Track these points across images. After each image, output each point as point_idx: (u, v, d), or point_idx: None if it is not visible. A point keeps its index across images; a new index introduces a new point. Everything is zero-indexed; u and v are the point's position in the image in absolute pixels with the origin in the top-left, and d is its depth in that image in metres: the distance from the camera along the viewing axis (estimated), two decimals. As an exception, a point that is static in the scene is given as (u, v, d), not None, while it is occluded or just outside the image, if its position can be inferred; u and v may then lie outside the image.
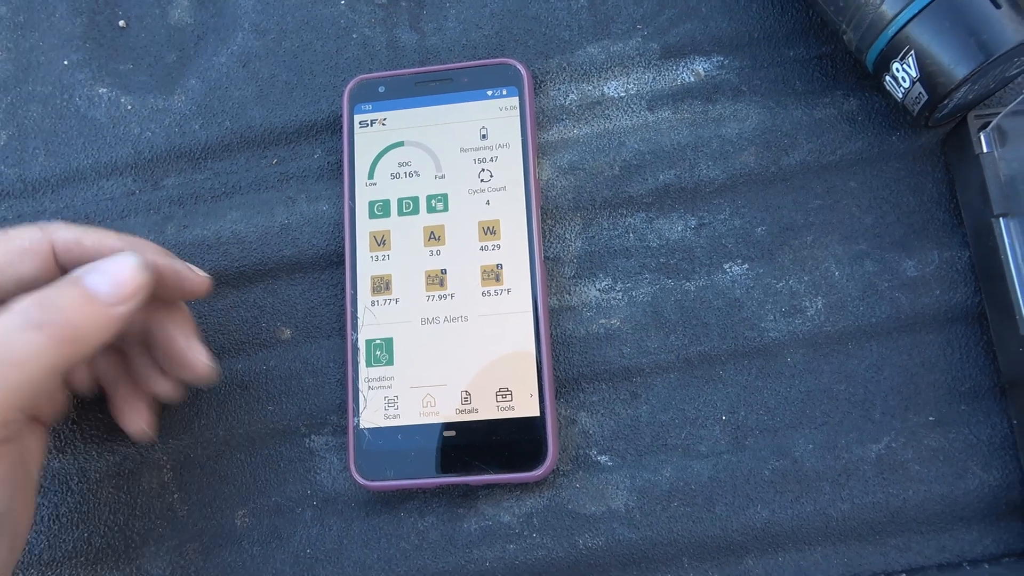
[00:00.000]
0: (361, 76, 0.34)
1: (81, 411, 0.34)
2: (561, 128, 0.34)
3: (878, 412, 0.30)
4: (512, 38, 0.35)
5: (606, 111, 0.34)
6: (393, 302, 0.32)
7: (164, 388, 0.31)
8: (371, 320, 0.32)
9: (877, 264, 0.31)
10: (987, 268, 0.29)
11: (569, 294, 0.33)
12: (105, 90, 0.38)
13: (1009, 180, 0.29)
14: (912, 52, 0.28)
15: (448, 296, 0.32)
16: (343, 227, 0.33)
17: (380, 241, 0.33)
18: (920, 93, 0.28)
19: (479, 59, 0.35)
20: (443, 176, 0.33)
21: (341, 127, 0.35)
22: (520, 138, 0.33)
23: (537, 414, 0.30)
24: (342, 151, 0.34)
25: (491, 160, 0.33)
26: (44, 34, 0.39)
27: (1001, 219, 0.29)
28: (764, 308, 0.31)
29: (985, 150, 0.29)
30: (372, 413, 0.31)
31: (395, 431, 0.31)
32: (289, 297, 0.34)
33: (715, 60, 0.34)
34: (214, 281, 0.31)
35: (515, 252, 0.32)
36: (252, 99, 0.36)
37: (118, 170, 0.37)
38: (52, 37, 0.39)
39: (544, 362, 0.30)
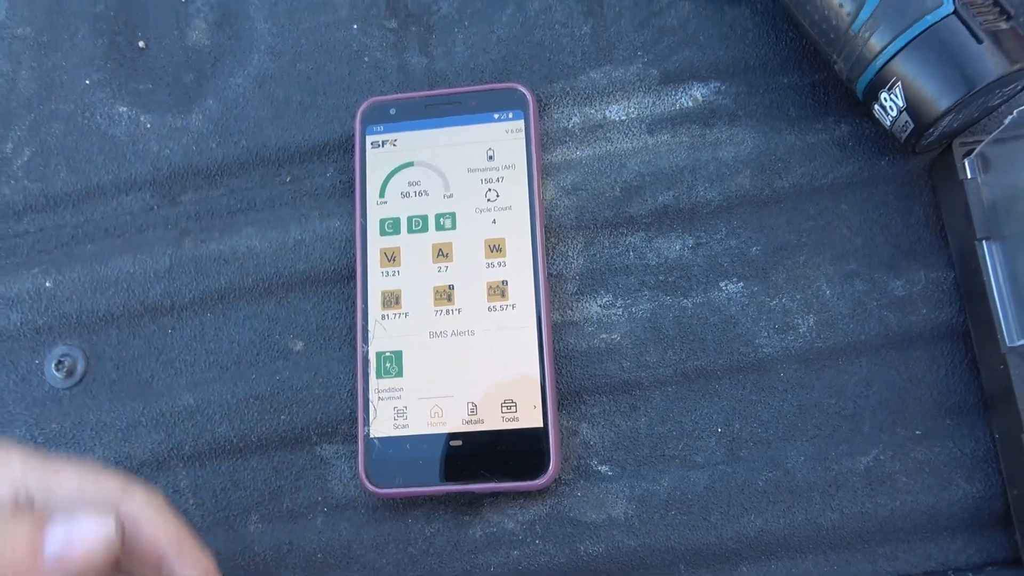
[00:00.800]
0: (373, 98, 0.36)
1: (95, 416, 0.35)
2: (564, 150, 0.36)
3: (867, 426, 0.31)
4: (518, 63, 0.37)
5: (608, 134, 0.36)
6: (403, 316, 0.33)
7: None
8: (381, 333, 0.33)
9: (866, 283, 0.33)
10: (971, 288, 0.31)
11: (571, 310, 0.34)
12: (125, 109, 0.39)
13: (991, 205, 0.30)
14: (899, 83, 0.29)
15: (455, 311, 0.33)
16: (355, 243, 0.35)
17: (390, 257, 0.34)
18: (907, 121, 0.30)
19: (486, 83, 0.36)
20: (451, 195, 0.34)
21: (353, 147, 0.36)
22: (525, 159, 0.34)
23: (540, 425, 0.31)
24: (354, 170, 0.35)
25: (497, 180, 0.34)
26: (66, 54, 0.40)
27: (984, 242, 0.30)
28: (758, 325, 0.33)
29: (969, 176, 0.31)
30: (382, 423, 0.32)
31: (404, 440, 0.32)
32: (302, 310, 0.35)
33: (712, 86, 0.35)
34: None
35: (520, 269, 0.33)
36: (267, 119, 0.38)
37: (137, 186, 0.38)
38: (74, 57, 0.40)
39: (547, 375, 0.32)
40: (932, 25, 0.28)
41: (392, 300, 0.33)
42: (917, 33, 0.29)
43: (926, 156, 0.33)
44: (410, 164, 0.35)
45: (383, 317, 0.33)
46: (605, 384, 0.33)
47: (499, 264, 0.33)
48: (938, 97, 0.28)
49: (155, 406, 0.35)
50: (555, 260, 0.34)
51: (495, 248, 0.33)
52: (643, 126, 0.35)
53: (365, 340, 0.33)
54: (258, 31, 0.39)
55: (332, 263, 0.36)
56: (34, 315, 0.37)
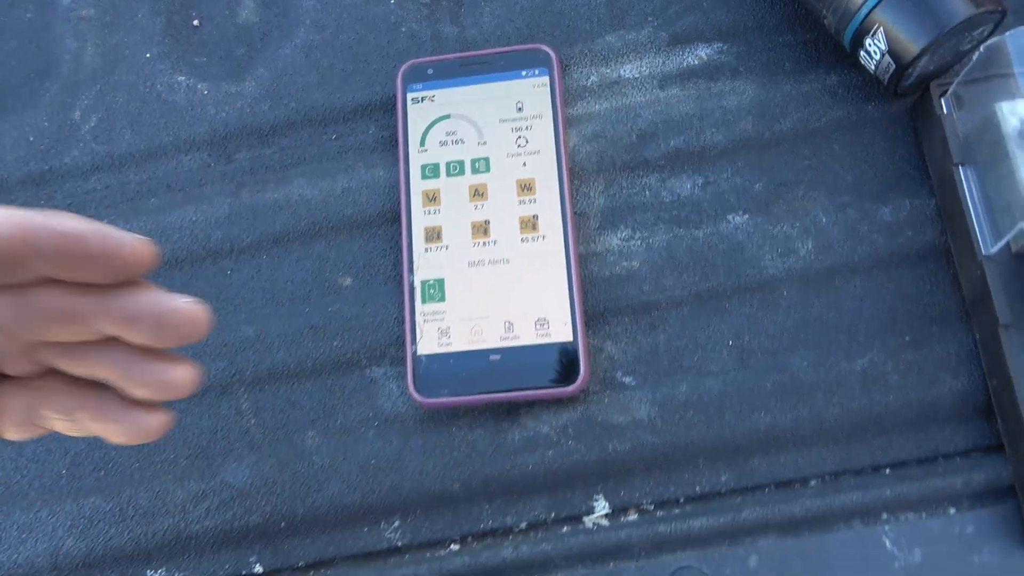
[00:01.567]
0: (412, 60, 0.40)
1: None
2: (584, 104, 0.40)
3: (861, 335, 0.35)
4: (540, 30, 0.41)
5: (623, 90, 0.40)
6: (444, 248, 0.37)
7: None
8: (425, 264, 0.37)
9: (858, 212, 0.37)
10: (950, 209, 0.35)
11: (594, 243, 0.38)
12: (183, 78, 0.43)
13: (965, 136, 0.34)
14: (881, 29, 0.34)
15: (492, 243, 0.37)
16: (399, 187, 0.38)
17: (431, 198, 0.38)
18: (889, 63, 0.34)
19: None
20: (485, 143, 0.38)
21: (395, 104, 0.40)
22: (551, 110, 0.38)
23: (571, 339, 0.35)
24: (396, 124, 0.39)
25: (526, 129, 0.38)
26: (128, 32, 0.44)
27: (960, 167, 0.34)
28: (763, 250, 0.37)
29: (945, 112, 0.35)
30: (428, 342, 0.36)
31: (448, 356, 0.36)
32: (349, 250, 0.39)
33: (716, 46, 0.40)
34: (157, 246, 0.24)
35: (549, 205, 0.37)
36: (314, 84, 0.42)
37: (196, 146, 0.42)
38: (135, 34, 0.44)
39: (575, 296, 0.35)
40: (907, -24, 0.33)
41: (434, 235, 0.37)
42: (894, -17, 0.33)
43: (907, 99, 0.37)
44: (447, 116, 0.39)
45: (426, 250, 0.37)
46: (627, 306, 0.37)
47: (530, 201, 0.37)
48: (915, 38, 0.33)
49: (217, 338, 0.39)
50: (578, 200, 0.38)
51: (526, 187, 0.37)
52: (654, 82, 0.40)
53: (411, 271, 0.37)
54: (304, 7, 0.43)
55: (377, 207, 0.39)
56: (104, 261, 0.40)
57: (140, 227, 0.41)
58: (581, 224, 0.38)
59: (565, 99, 0.39)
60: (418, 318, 0.36)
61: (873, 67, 0.35)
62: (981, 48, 0.33)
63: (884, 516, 0.33)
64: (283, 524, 0.36)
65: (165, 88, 0.43)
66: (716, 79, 0.39)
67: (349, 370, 0.37)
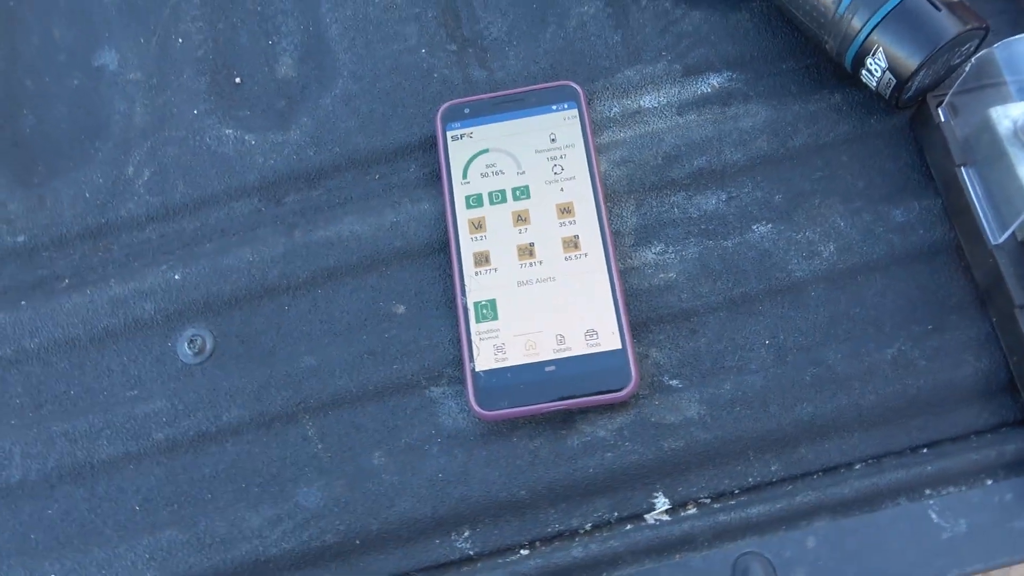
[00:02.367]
0: (450, 101, 0.43)
1: (228, 384, 0.41)
2: (610, 133, 0.43)
3: (887, 326, 0.38)
4: (563, 69, 0.45)
5: (644, 118, 0.43)
6: (493, 271, 0.40)
7: None
8: (476, 287, 0.39)
9: (872, 215, 0.40)
10: (956, 206, 0.38)
11: (631, 258, 0.41)
12: (230, 131, 0.46)
13: (963, 139, 0.38)
14: (880, 49, 0.37)
15: (537, 263, 0.39)
16: (445, 218, 0.41)
17: (477, 225, 0.41)
18: (890, 79, 0.38)
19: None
20: (523, 172, 0.41)
21: (435, 142, 0.43)
22: (582, 139, 0.41)
23: (620, 347, 0.37)
24: (439, 160, 0.42)
25: (561, 157, 0.41)
26: (175, 92, 0.47)
27: (962, 167, 0.37)
28: (788, 255, 0.40)
29: (943, 120, 0.38)
30: (485, 359, 0.38)
31: (505, 371, 0.38)
32: (401, 279, 0.42)
33: (726, 75, 0.43)
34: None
35: (588, 225, 0.40)
36: (355, 129, 0.45)
37: (246, 193, 0.45)
38: (181, 94, 0.47)
39: (620, 306, 0.38)
40: (900, 2, 0.37)
41: (483, 259, 0.40)
42: (890, 9, 0.37)
43: (906, 112, 0.41)
44: (486, 151, 0.42)
45: (476, 274, 0.40)
46: (667, 314, 0.39)
47: (570, 223, 0.40)
48: (912, 55, 0.36)
49: (280, 370, 0.41)
50: (613, 220, 0.41)
51: (565, 211, 0.40)
52: (673, 109, 0.43)
53: (463, 293, 0.39)
54: (340, 61, 0.47)
55: (424, 238, 0.42)
56: (165, 303, 0.42)
57: (198, 270, 0.43)
58: (618, 242, 0.41)
59: (593, 129, 0.43)
60: (474, 337, 0.39)
61: (875, 84, 0.39)
62: (972, 60, 0.36)
63: (928, 492, 0.35)
64: (358, 542, 0.37)
65: (214, 141, 0.46)
66: (729, 104, 0.43)
67: (409, 391, 0.40)
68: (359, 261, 0.42)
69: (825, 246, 0.40)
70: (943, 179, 0.39)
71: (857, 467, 0.36)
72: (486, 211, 0.41)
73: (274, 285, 0.42)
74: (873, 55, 0.38)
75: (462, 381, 0.39)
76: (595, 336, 0.38)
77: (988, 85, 0.37)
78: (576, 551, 0.36)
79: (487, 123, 0.42)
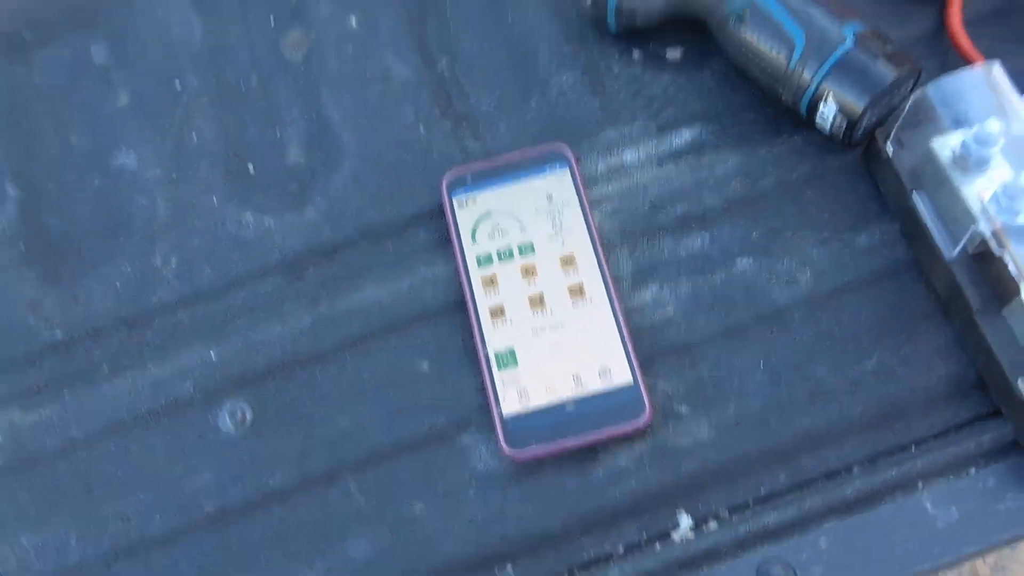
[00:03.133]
0: (453, 171, 0.47)
1: (269, 451, 0.43)
2: (599, 188, 0.48)
3: (865, 340, 0.42)
4: (549, 134, 0.49)
5: (628, 172, 0.48)
6: (509, 322, 0.43)
7: None
8: (495, 337, 0.43)
9: (840, 242, 0.45)
10: (912, 229, 0.43)
11: (632, 299, 0.45)
12: (249, 215, 0.50)
13: (911, 169, 0.43)
14: (831, 95, 0.43)
15: (548, 311, 0.43)
16: (459, 277, 0.45)
17: (490, 282, 0.44)
18: (841, 121, 0.43)
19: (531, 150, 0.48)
20: (527, 230, 0.45)
21: (442, 210, 0.47)
22: (576, 196, 0.46)
23: (631, 381, 0.41)
24: (447, 225, 0.46)
25: (559, 214, 0.45)
26: (193, 185, 0.51)
27: (914, 192, 0.42)
28: (771, 284, 0.44)
29: (892, 152, 0.44)
30: (510, 403, 0.42)
31: (530, 414, 0.41)
32: (422, 337, 0.45)
33: (696, 128, 0.48)
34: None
35: (590, 272, 0.44)
36: (366, 204, 0.49)
37: (269, 272, 0.48)
38: (199, 185, 0.51)
39: (628, 344, 0.42)
40: (843, 54, 0.42)
41: (498, 312, 0.44)
42: (834, 62, 0.42)
43: (858, 149, 0.46)
44: (490, 213, 0.46)
45: (494, 326, 0.43)
46: (670, 347, 0.43)
47: (573, 272, 0.44)
48: (859, 98, 0.42)
49: (318, 433, 0.44)
50: (612, 266, 0.45)
51: (568, 261, 0.44)
52: (653, 162, 0.48)
53: (483, 344, 0.43)
54: (345, 144, 0.51)
55: (441, 298, 0.46)
56: (204, 381, 0.45)
57: (232, 347, 0.46)
58: (618, 285, 0.45)
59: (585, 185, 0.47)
60: (498, 384, 0.42)
61: (829, 126, 0.44)
62: (910, 99, 0.42)
63: (920, 485, 0.39)
64: (409, 585, 0.40)
65: (235, 226, 0.49)
66: (703, 153, 0.48)
67: (441, 441, 0.43)
68: (382, 325, 0.46)
69: (802, 274, 0.44)
70: (897, 205, 0.44)
71: (854, 470, 0.40)
72: (496, 268, 0.45)
73: (305, 355, 0.46)
74: (825, 101, 0.43)
75: (491, 426, 0.42)
76: (608, 373, 0.42)
77: (926, 119, 0.42)
78: (613, 574, 0.39)
79: (489, 188, 0.47)
